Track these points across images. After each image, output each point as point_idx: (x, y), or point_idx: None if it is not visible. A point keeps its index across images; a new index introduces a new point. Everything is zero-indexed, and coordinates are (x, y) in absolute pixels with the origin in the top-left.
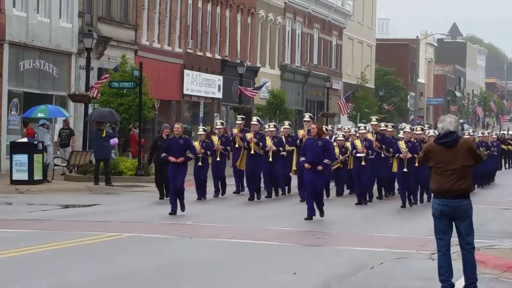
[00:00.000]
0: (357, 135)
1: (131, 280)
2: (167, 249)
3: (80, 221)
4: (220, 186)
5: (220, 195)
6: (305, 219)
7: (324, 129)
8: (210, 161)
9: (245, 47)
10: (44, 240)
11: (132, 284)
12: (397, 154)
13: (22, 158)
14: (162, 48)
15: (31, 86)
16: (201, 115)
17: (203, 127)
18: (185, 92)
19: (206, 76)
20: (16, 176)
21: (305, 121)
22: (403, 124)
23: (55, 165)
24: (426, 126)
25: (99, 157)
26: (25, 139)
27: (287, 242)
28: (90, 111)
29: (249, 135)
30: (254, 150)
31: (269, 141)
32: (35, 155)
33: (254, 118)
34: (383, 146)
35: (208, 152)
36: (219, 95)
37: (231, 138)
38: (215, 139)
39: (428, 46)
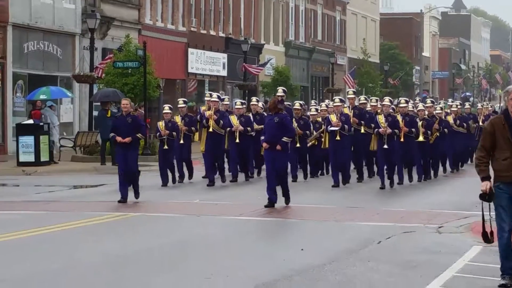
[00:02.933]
0: (333, 109)
1: (138, 260)
2: (174, 228)
3: (87, 202)
4: (185, 170)
5: (187, 180)
6: (265, 206)
7: (276, 103)
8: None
9: (248, 24)
10: (52, 221)
11: (139, 263)
12: (376, 130)
13: (28, 140)
14: (165, 27)
15: (36, 67)
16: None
17: (169, 105)
18: (189, 70)
19: (210, 54)
20: (22, 158)
21: (278, 96)
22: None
23: (61, 146)
24: (429, 100)
25: (105, 137)
26: (30, 121)
27: (294, 219)
28: (95, 91)
29: (208, 112)
30: (213, 129)
31: (235, 120)
32: (41, 137)
33: (214, 94)
34: (362, 121)
35: (174, 133)
36: (224, 73)
37: (197, 117)
38: (178, 119)
39: (432, 19)
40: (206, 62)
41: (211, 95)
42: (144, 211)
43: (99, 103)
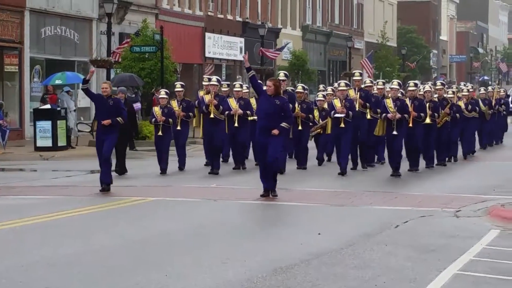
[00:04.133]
0: (337, 93)
1: (155, 244)
2: (192, 213)
3: None
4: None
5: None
6: (261, 195)
7: (279, 85)
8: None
9: (266, 9)
10: (70, 205)
11: (157, 248)
12: (384, 114)
13: (46, 124)
14: (182, 11)
15: (53, 52)
16: (224, 77)
17: (165, 90)
18: (207, 55)
19: (227, 39)
20: (40, 143)
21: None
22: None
23: (78, 131)
24: (439, 83)
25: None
26: (48, 106)
27: (311, 203)
28: (112, 76)
29: (207, 97)
30: (213, 114)
31: (234, 104)
32: (58, 122)
33: (214, 77)
34: (367, 104)
35: (171, 119)
36: (241, 57)
37: (195, 103)
38: (174, 104)
39: (450, 2)
40: (223, 47)
41: (209, 79)
42: (161, 196)
43: (115, 88)
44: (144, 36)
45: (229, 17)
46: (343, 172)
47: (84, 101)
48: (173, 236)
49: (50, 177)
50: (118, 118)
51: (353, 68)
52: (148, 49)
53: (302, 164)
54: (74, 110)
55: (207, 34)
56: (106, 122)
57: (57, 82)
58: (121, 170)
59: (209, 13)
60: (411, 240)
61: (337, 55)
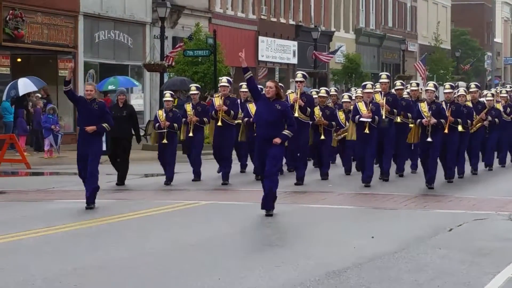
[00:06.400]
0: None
1: (209, 248)
2: (245, 216)
3: (158, 190)
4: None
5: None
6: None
7: (279, 87)
8: (182, 136)
9: (319, 12)
10: (123, 209)
11: (211, 252)
12: (419, 120)
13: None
14: (235, 15)
15: (107, 57)
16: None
17: (170, 92)
18: (260, 58)
19: (280, 42)
20: None
21: (297, 81)
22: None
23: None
24: (473, 85)
25: None
26: None
27: (364, 206)
28: (165, 80)
29: (217, 101)
30: (222, 120)
31: (253, 109)
32: None
33: (224, 78)
34: (395, 110)
35: (175, 124)
36: (294, 60)
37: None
38: (188, 108)
39: (504, 5)
40: (277, 50)
41: (220, 80)
42: (214, 200)
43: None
44: (197, 40)
45: (282, 20)
46: (367, 181)
47: (137, 105)
48: (226, 239)
49: (104, 181)
50: (104, 125)
51: (407, 71)
52: (201, 53)
53: (323, 173)
54: None
55: (260, 38)
56: (90, 128)
57: (110, 87)
58: (121, 181)
59: (262, 17)
60: (465, 244)
61: (391, 58)
